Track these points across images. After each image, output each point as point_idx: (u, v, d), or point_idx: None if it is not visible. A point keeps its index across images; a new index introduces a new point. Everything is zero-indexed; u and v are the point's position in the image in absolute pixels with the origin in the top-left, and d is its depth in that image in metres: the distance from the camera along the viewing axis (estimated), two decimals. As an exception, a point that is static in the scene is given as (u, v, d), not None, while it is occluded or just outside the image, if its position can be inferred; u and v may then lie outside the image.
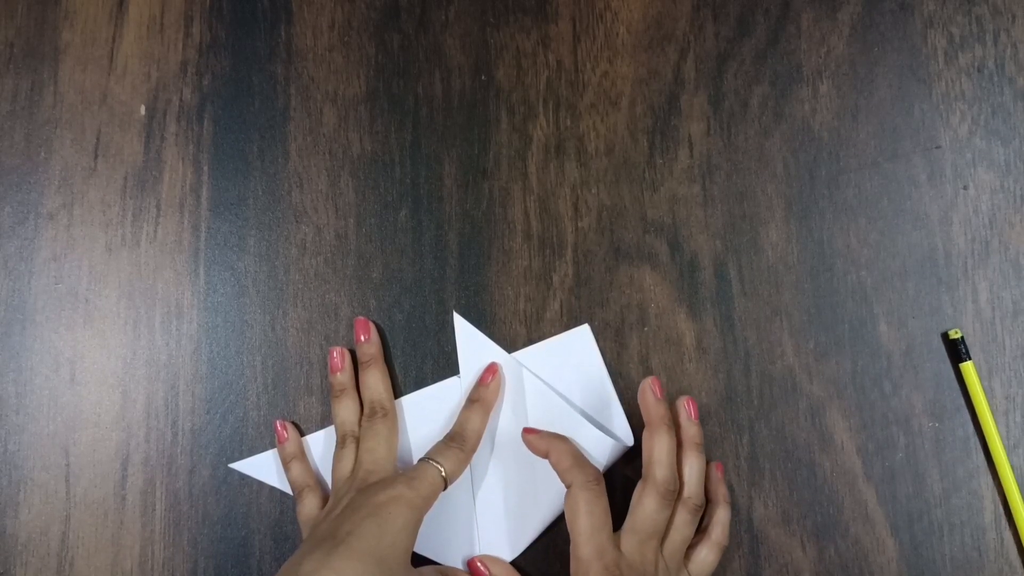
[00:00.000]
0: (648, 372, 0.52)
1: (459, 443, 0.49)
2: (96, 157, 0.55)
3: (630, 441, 0.51)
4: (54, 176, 0.55)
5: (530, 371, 0.52)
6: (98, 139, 0.55)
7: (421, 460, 0.48)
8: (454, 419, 0.51)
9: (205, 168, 0.55)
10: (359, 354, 0.52)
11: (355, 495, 0.45)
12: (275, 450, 0.52)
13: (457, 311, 0.53)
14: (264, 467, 0.52)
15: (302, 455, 0.51)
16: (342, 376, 0.51)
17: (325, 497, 0.50)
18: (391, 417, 0.50)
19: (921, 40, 0.56)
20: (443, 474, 0.47)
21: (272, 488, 0.52)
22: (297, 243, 0.54)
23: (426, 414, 0.52)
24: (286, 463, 0.51)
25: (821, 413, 0.52)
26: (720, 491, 0.50)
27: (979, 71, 0.55)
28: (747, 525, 0.51)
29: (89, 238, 0.54)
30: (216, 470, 0.52)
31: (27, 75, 0.56)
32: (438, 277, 0.54)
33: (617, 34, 0.56)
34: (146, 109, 0.56)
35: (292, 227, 0.54)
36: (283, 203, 0.55)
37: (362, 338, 0.52)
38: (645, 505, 0.46)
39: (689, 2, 0.56)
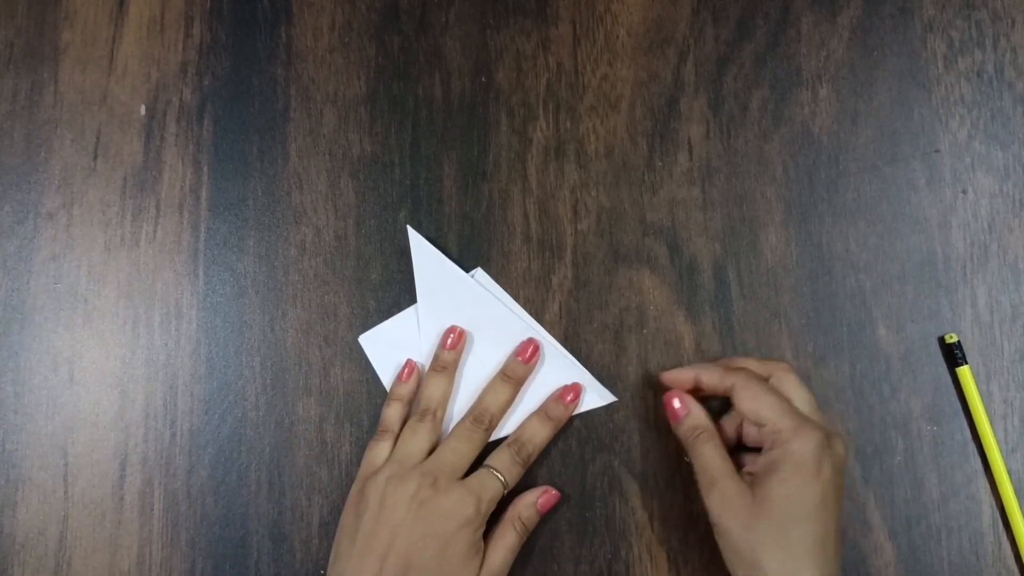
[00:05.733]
0: (647, 375, 0.53)
1: (517, 450, 0.49)
2: (96, 157, 0.55)
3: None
4: (54, 176, 0.55)
5: (490, 292, 0.53)
6: (98, 139, 0.55)
7: (484, 467, 0.49)
8: (423, 348, 0.52)
9: (205, 168, 0.55)
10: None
11: (424, 507, 0.46)
12: (406, 312, 0.53)
13: (456, 313, 0.53)
14: (392, 332, 0.53)
15: (408, 403, 0.51)
16: (449, 355, 0.52)
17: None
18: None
19: (921, 44, 0.56)
20: (504, 485, 0.48)
21: (270, 489, 0.52)
22: (296, 244, 0.54)
23: (390, 346, 0.53)
24: (392, 399, 0.51)
25: (819, 416, 0.52)
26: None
27: (978, 75, 0.55)
28: (745, 528, 0.51)
29: (88, 238, 0.54)
30: (214, 470, 0.52)
31: (27, 75, 0.56)
32: (437, 279, 0.54)
33: (617, 37, 0.56)
34: (146, 109, 0.56)
35: (292, 228, 0.55)
36: (283, 204, 0.55)
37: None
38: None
39: (689, 5, 0.57)
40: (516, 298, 0.53)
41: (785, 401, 0.46)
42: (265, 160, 0.55)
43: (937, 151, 0.55)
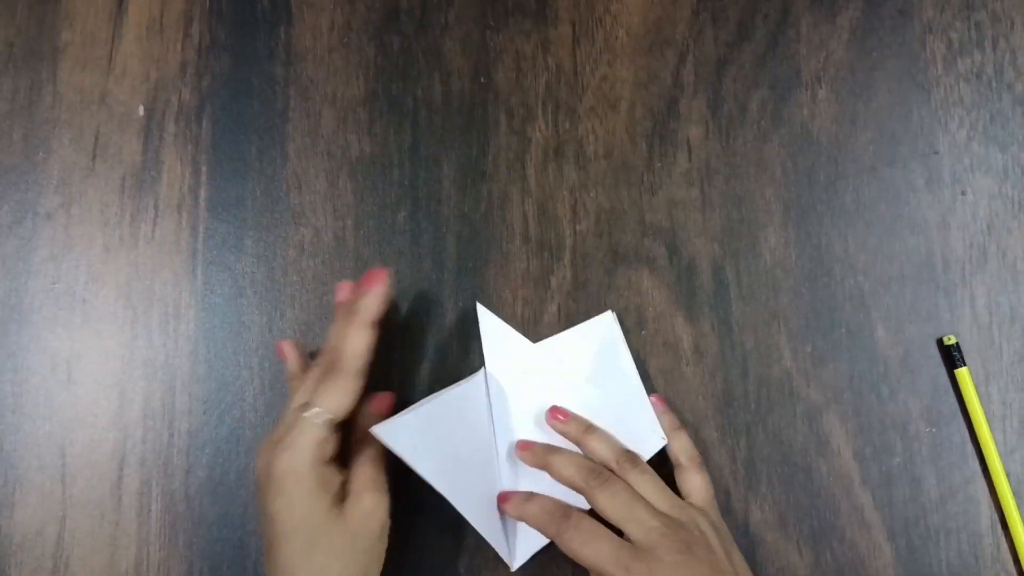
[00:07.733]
0: (646, 375, 0.52)
1: (335, 372, 0.43)
2: (95, 157, 0.55)
3: (660, 437, 0.50)
4: (52, 176, 0.55)
5: (555, 361, 0.52)
6: (97, 139, 0.55)
7: (293, 409, 0.43)
8: (487, 418, 0.51)
9: (203, 169, 0.55)
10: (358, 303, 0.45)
11: (269, 454, 0.42)
12: (415, 413, 0.46)
13: (455, 313, 0.53)
14: (404, 432, 0.44)
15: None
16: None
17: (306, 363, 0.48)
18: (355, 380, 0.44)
19: (920, 46, 0.56)
20: (324, 419, 0.42)
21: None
22: (295, 244, 0.54)
23: (456, 414, 0.49)
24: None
25: (818, 417, 0.52)
26: (667, 421, 0.51)
27: (978, 77, 0.55)
28: (743, 529, 0.51)
29: (87, 238, 0.54)
30: (212, 471, 0.52)
31: (26, 75, 0.56)
32: (436, 280, 0.54)
33: (616, 38, 0.56)
34: (145, 109, 0.56)
35: (290, 228, 0.54)
36: (281, 204, 0.55)
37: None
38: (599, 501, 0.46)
39: (688, 6, 0.57)
40: (515, 299, 0.53)
41: (611, 542, 0.44)
42: (264, 160, 0.55)
43: (936, 152, 0.55)
